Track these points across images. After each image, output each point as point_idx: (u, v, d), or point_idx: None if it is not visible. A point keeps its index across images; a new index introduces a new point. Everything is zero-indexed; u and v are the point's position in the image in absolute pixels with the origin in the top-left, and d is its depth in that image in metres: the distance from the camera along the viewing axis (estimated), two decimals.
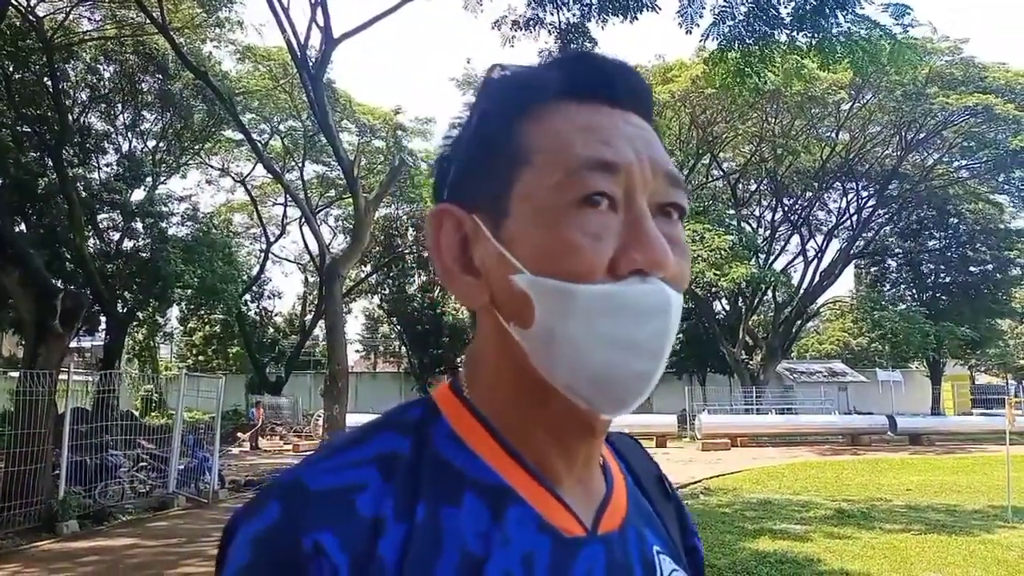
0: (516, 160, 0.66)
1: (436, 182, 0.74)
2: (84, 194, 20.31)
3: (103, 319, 22.37)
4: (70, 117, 19.75)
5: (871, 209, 32.14)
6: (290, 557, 0.58)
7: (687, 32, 9.40)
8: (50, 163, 18.63)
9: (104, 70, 21.91)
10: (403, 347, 40.04)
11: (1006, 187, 31.25)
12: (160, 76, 22.16)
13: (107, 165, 23.28)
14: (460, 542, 0.62)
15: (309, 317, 36.56)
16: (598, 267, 0.62)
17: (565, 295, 0.62)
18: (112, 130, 23.67)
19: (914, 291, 35.54)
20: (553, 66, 0.70)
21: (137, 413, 18.79)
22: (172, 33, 17.14)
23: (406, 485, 0.63)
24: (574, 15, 10.40)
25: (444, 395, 0.72)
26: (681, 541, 0.81)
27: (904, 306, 32.38)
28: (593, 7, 10.07)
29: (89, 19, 20.29)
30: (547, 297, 0.63)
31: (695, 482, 14.72)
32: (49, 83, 17.94)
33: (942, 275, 34.89)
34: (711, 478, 15.37)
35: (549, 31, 10.65)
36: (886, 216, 33.48)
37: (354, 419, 16.54)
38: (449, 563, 0.61)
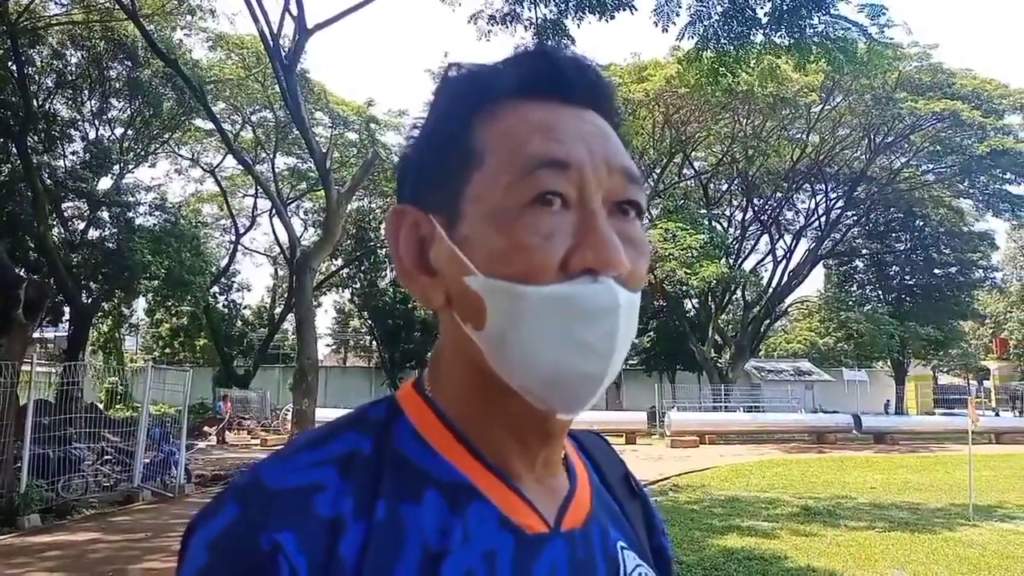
0: (469, 160, 0.65)
1: (398, 182, 0.74)
2: (49, 182, 19.95)
3: (67, 310, 21.97)
4: (35, 103, 19.34)
5: (839, 210, 32.64)
6: (248, 558, 0.57)
7: (663, 31, 9.46)
8: (14, 150, 18.25)
9: (71, 55, 21.52)
10: (374, 342, 39.85)
11: (971, 191, 31.87)
12: (129, 63, 21.80)
13: (73, 153, 22.94)
14: (421, 539, 0.61)
15: (279, 310, 36.25)
16: (549, 267, 0.61)
17: (515, 296, 0.61)
18: (79, 117, 23.28)
19: (880, 292, 36.15)
20: (508, 64, 0.69)
21: (101, 406, 18.43)
22: (142, 19, 16.82)
23: (366, 484, 0.63)
24: (551, 11, 10.41)
25: (407, 394, 0.72)
26: (648, 539, 0.81)
27: (870, 307, 32.88)
28: (570, 4, 10.08)
29: (56, 2, 19.90)
30: (498, 298, 0.62)
31: (664, 479, 14.82)
32: (14, 68, 17.55)
33: (907, 277, 35.54)
34: (680, 475, 15.48)
35: (526, 27, 10.65)
36: (854, 218, 34.02)
37: (323, 414, 16.39)
38: (410, 560, 0.60)
